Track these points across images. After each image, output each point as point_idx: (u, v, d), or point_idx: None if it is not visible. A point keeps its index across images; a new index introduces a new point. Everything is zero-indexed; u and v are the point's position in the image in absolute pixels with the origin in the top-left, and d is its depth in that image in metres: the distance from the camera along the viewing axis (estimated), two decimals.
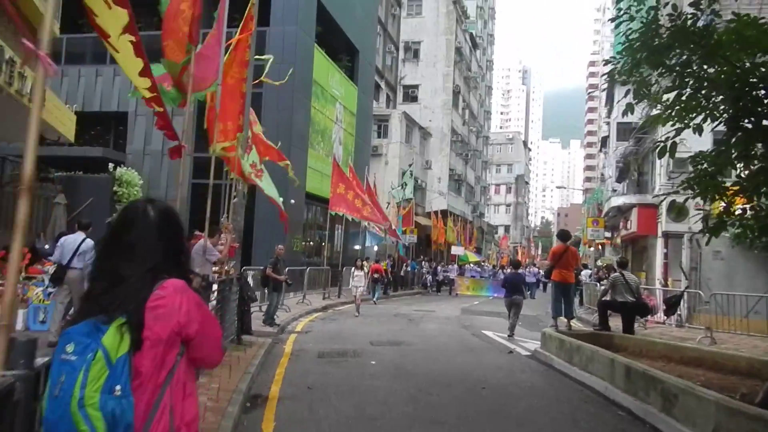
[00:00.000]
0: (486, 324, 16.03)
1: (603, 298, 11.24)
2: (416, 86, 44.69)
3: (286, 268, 13.55)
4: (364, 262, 16.46)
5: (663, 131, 8.07)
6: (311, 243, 28.05)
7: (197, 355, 1.94)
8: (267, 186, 11.63)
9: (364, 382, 7.89)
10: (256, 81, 11.96)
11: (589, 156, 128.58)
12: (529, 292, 33.35)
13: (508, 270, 35.03)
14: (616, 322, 11.45)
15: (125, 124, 25.83)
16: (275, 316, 12.82)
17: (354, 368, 8.82)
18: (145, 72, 4.96)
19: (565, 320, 11.14)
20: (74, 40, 24.77)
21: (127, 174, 11.66)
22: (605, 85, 47.44)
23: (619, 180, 32.68)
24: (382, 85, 40.50)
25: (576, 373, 8.44)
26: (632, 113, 10.14)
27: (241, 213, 10.35)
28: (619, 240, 23.45)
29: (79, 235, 8.42)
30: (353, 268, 16.90)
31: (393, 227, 29.35)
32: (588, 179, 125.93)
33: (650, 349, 9.39)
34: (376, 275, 22.31)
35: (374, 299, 21.57)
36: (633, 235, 20.74)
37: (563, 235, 11.46)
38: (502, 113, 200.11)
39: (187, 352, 1.90)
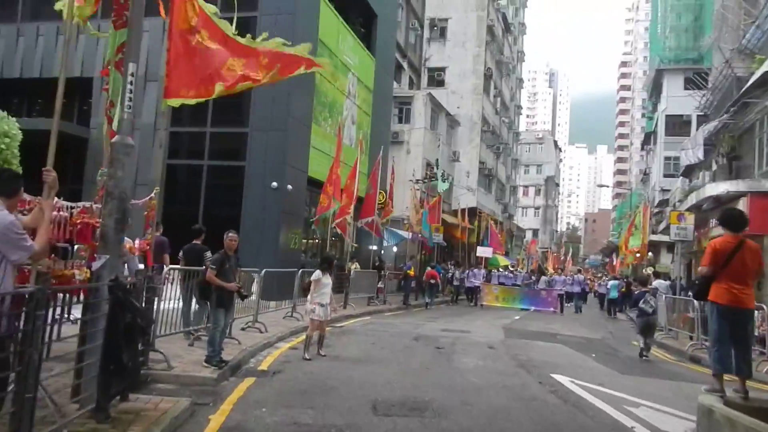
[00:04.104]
0: (548, 358, 10.98)
1: None
2: (443, 69, 39.61)
3: (240, 269, 8.40)
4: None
5: None
6: (316, 240, 23.17)
7: None
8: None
9: None
10: None
11: (620, 159, 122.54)
12: (569, 305, 28.23)
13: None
14: None
15: (91, 93, 21.37)
16: (223, 348, 7.95)
17: None
18: None
19: (737, 379, 6.01)
20: None
21: None
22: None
23: (685, 173, 27.34)
24: (405, 65, 35.58)
25: None
26: None
27: (120, 167, 5.42)
28: (706, 241, 18.18)
29: None
30: (318, 272, 9.32)
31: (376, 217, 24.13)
32: (619, 184, 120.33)
33: None
34: (432, 281, 23.13)
35: (427, 303, 22.71)
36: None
37: (733, 220, 6.28)
38: (528, 116, 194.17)
39: None
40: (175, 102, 7.15)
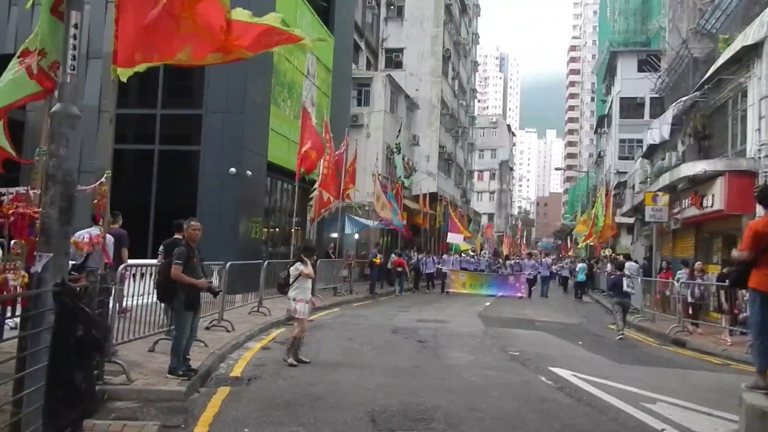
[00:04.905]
0: (538, 349, 10.37)
1: None
2: (401, 50, 38.62)
3: (202, 263, 7.20)
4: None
5: None
6: (277, 229, 22.04)
7: None
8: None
9: None
10: None
11: (570, 143, 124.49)
12: (534, 288, 27.88)
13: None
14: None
15: None
16: (189, 355, 6.95)
17: None
18: None
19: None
20: None
21: None
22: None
23: (646, 154, 27.32)
24: (362, 45, 34.47)
25: None
26: None
27: (63, 143, 4.40)
28: (674, 223, 17.95)
29: None
30: (299, 264, 8.33)
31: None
32: (569, 167, 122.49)
33: None
34: (399, 269, 23.08)
35: (398, 292, 22.78)
36: (711, 216, 15.25)
37: None
38: (479, 100, 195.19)
39: None
40: (130, 71, 6.06)
